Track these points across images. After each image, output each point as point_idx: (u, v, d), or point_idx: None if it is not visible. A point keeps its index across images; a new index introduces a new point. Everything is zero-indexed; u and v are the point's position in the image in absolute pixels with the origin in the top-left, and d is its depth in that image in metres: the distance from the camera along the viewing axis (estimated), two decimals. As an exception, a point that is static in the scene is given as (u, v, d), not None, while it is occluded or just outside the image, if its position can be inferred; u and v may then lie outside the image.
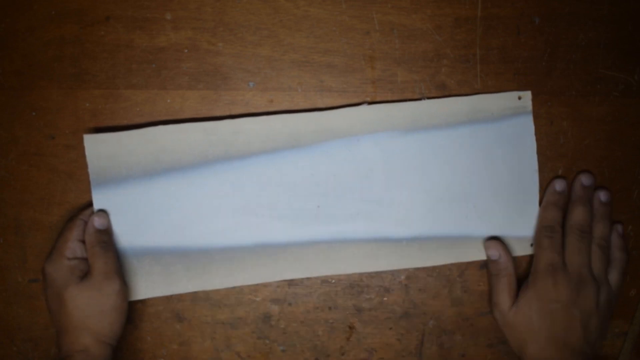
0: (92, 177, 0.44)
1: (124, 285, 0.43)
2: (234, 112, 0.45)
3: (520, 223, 0.46)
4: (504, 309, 0.44)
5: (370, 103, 0.45)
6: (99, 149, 0.44)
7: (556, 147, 0.46)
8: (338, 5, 0.45)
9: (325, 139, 0.45)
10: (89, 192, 0.45)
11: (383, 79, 0.45)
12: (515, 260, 0.46)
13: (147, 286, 0.45)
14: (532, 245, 0.46)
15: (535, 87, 0.45)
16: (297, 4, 0.45)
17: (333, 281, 0.47)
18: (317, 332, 0.47)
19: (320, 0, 0.44)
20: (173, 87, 0.45)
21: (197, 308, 0.47)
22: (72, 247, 0.43)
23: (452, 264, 0.47)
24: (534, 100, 0.45)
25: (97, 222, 0.43)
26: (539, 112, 0.45)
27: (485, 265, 0.47)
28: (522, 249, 0.46)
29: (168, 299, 0.47)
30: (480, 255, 0.46)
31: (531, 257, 0.46)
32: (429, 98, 0.45)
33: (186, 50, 0.45)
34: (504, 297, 0.44)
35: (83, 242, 0.43)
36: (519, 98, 0.45)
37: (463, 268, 0.47)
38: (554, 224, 0.44)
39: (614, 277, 0.44)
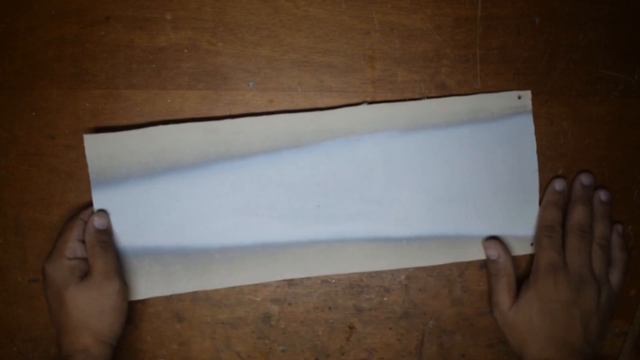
0: (92, 177, 0.44)
1: (124, 285, 0.43)
2: (234, 112, 0.45)
3: (520, 223, 0.46)
4: (504, 309, 0.44)
5: (370, 103, 0.45)
6: (99, 148, 0.44)
7: (556, 147, 0.46)
8: (338, 5, 0.45)
9: (325, 139, 0.45)
10: (89, 192, 0.45)
11: (383, 79, 0.45)
12: (514, 259, 0.46)
13: (147, 286, 0.45)
14: (532, 244, 0.46)
15: (535, 87, 0.45)
16: (297, 4, 0.45)
17: (333, 281, 0.47)
18: (317, 332, 0.47)
19: (320, 0, 0.44)
20: (173, 87, 0.45)
21: (197, 308, 0.47)
22: (72, 247, 0.43)
23: (452, 264, 0.47)
24: (534, 100, 0.45)
25: (97, 222, 0.43)
26: (539, 112, 0.45)
27: (484, 265, 0.47)
28: (522, 249, 0.46)
29: (168, 299, 0.47)
30: (480, 255, 0.46)
31: (531, 256, 0.46)
32: (429, 98, 0.45)
33: (186, 50, 0.45)
34: (503, 297, 0.44)
35: (83, 242, 0.43)
36: (519, 98, 0.45)
37: (463, 268, 0.47)
38: (554, 223, 0.44)
39: (614, 276, 0.44)
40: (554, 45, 0.45)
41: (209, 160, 0.44)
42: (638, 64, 0.45)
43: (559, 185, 0.45)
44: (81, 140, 0.44)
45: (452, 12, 0.45)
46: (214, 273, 0.45)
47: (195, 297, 0.47)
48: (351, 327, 0.47)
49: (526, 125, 0.45)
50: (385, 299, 0.47)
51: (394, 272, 0.47)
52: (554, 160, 0.46)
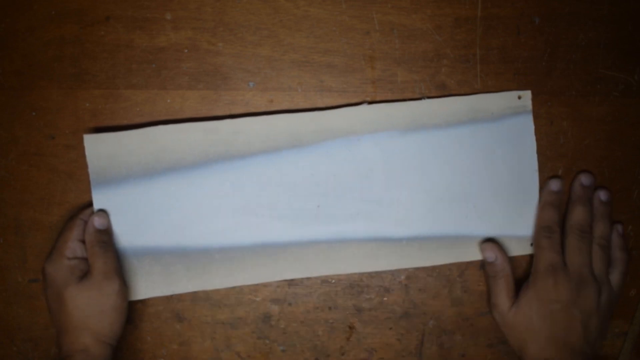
0: (92, 177, 0.44)
1: (124, 285, 0.43)
2: (234, 112, 0.45)
3: (520, 223, 0.46)
4: (504, 310, 0.44)
5: (370, 103, 0.45)
6: (99, 148, 0.44)
7: (556, 147, 0.46)
8: (338, 5, 0.45)
9: (325, 139, 0.45)
10: (89, 192, 0.45)
11: (383, 79, 0.45)
12: (512, 260, 0.46)
13: (147, 286, 0.45)
14: (532, 244, 0.46)
15: (535, 87, 0.45)
16: (297, 4, 0.45)
17: (333, 281, 0.47)
18: (317, 332, 0.47)
19: (320, 0, 0.44)
20: (173, 87, 0.45)
21: (197, 308, 0.47)
22: (72, 246, 0.43)
23: (452, 264, 0.47)
24: (534, 100, 0.45)
25: (97, 221, 0.43)
26: (539, 112, 0.45)
27: (483, 265, 0.46)
28: (522, 249, 0.46)
29: (168, 299, 0.47)
30: (480, 255, 0.46)
31: (531, 257, 0.46)
32: (429, 98, 0.45)
33: (186, 50, 0.45)
34: (502, 298, 0.44)
35: (83, 241, 0.43)
36: (519, 98, 0.45)
37: (463, 268, 0.47)
38: (552, 224, 0.44)
39: (615, 276, 0.44)
40: (554, 45, 0.45)
41: (209, 160, 0.44)
42: (638, 64, 0.45)
43: (555, 185, 0.45)
44: (81, 140, 0.44)
45: (452, 12, 0.45)
46: (214, 273, 0.45)
47: (195, 297, 0.47)
48: (351, 327, 0.47)
49: (526, 125, 0.45)
50: (385, 299, 0.47)
51: (394, 272, 0.47)
52: (554, 160, 0.46)
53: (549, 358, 0.42)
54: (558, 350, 0.42)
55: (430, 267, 0.47)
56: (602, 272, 0.43)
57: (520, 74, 0.45)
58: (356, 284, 0.47)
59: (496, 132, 0.45)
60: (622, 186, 0.46)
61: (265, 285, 0.47)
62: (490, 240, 0.45)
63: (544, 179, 0.46)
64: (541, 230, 0.44)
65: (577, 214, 0.44)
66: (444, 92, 0.45)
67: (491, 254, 0.44)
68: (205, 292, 0.47)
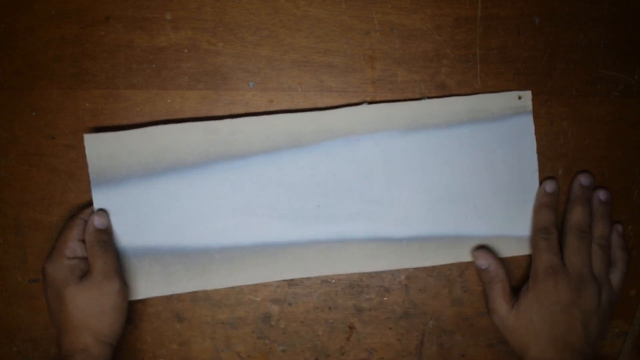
0: (92, 176, 0.44)
1: (124, 285, 0.43)
2: (234, 112, 0.45)
3: (520, 223, 0.46)
4: (503, 314, 0.44)
5: (370, 103, 0.45)
6: (99, 148, 0.44)
7: (556, 147, 0.46)
8: (338, 5, 0.45)
9: (325, 139, 0.45)
10: (89, 192, 0.45)
11: (383, 79, 0.45)
12: (512, 261, 0.46)
13: (147, 286, 0.45)
14: (532, 245, 0.46)
15: (535, 87, 0.45)
16: (297, 4, 0.45)
17: (333, 281, 0.47)
18: (317, 332, 0.47)
19: (320, 0, 0.44)
20: (173, 87, 0.45)
21: (197, 308, 0.47)
22: (72, 246, 0.43)
23: (452, 264, 0.47)
24: (534, 100, 0.45)
25: (97, 221, 0.43)
26: (539, 112, 0.45)
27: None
28: (522, 249, 0.46)
29: (168, 299, 0.47)
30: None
31: (531, 257, 0.46)
32: (429, 98, 0.45)
33: (186, 50, 0.45)
34: (500, 303, 0.44)
35: (83, 241, 0.43)
36: (519, 98, 0.45)
37: (463, 268, 0.47)
38: (548, 225, 0.44)
39: (615, 276, 0.44)
40: (554, 45, 0.45)
41: (209, 160, 0.44)
42: (638, 64, 0.45)
43: (549, 187, 0.45)
44: (81, 140, 0.44)
45: (452, 12, 0.45)
46: (214, 273, 0.45)
47: (195, 297, 0.47)
48: (351, 327, 0.47)
49: (526, 126, 0.45)
50: (385, 299, 0.47)
51: (394, 272, 0.47)
52: (554, 160, 0.46)
53: (550, 359, 0.42)
54: (558, 351, 0.42)
55: (430, 267, 0.47)
56: (602, 272, 0.43)
57: (520, 74, 0.45)
58: (356, 284, 0.47)
59: (496, 132, 0.45)
60: (622, 186, 0.46)
61: (265, 285, 0.47)
62: (482, 247, 0.45)
63: (544, 179, 0.46)
64: (538, 232, 0.44)
65: (577, 214, 0.44)
66: (444, 92, 0.45)
67: (483, 262, 0.44)
68: (205, 292, 0.47)
